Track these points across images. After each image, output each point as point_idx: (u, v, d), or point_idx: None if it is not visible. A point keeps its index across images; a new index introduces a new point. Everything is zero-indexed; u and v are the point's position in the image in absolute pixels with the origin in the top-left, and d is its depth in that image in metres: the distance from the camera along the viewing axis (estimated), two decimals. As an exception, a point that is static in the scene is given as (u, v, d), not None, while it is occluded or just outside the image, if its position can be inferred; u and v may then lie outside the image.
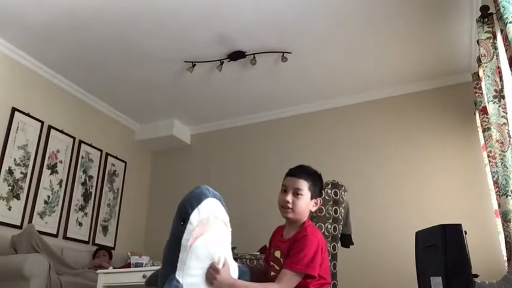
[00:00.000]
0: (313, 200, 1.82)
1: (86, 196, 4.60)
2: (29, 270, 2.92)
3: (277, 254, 1.81)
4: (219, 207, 1.60)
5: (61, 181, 4.30)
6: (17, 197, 3.83)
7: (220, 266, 1.58)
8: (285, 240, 1.81)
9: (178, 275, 1.44)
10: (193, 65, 4.07)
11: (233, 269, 1.66)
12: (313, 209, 1.84)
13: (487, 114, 3.18)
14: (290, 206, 1.76)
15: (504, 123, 2.56)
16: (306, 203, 1.79)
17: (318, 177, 1.86)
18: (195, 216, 1.50)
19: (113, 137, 5.10)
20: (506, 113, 2.59)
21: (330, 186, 2.55)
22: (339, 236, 2.57)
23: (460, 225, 2.10)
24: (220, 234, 1.58)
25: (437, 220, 2.35)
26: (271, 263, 1.84)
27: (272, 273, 1.79)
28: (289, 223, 1.85)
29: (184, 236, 1.48)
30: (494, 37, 2.73)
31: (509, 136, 2.53)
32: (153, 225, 5.26)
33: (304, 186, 1.79)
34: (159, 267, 3.04)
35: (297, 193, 1.78)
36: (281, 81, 4.42)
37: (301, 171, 1.83)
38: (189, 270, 1.48)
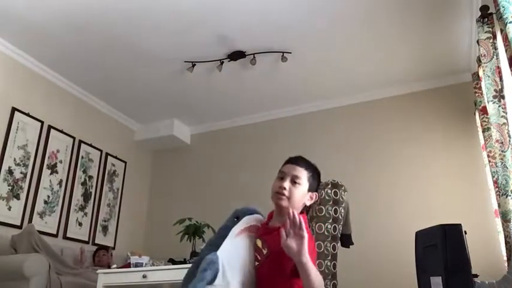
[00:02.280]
0: (309, 193, 1.72)
1: (86, 196, 4.60)
2: (28, 270, 2.92)
3: (259, 243, 1.67)
4: (260, 222, 1.83)
5: (61, 181, 4.30)
6: (17, 197, 3.83)
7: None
8: (270, 230, 1.67)
9: (219, 254, 1.63)
10: (193, 65, 4.07)
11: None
12: (308, 203, 1.73)
13: (487, 114, 3.18)
14: (286, 193, 1.66)
15: (504, 123, 2.56)
16: (302, 193, 1.69)
17: (316, 172, 1.78)
18: (246, 219, 1.75)
19: (113, 137, 5.10)
20: (506, 113, 2.59)
21: (330, 186, 2.55)
22: (339, 236, 2.57)
23: (460, 225, 2.10)
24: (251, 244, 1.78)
25: (437, 220, 2.35)
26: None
27: (256, 263, 1.65)
28: (279, 212, 1.71)
29: (235, 227, 1.71)
30: (494, 37, 2.73)
31: (509, 136, 2.53)
32: (153, 225, 5.26)
33: (303, 175, 1.70)
34: (158, 267, 3.07)
35: (294, 181, 1.68)
36: (281, 81, 4.42)
37: (302, 161, 1.75)
38: (228, 252, 1.64)
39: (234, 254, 1.63)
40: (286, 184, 1.67)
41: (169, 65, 4.16)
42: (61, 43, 3.85)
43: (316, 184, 1.76)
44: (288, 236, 1.49)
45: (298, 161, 1.75)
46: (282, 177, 1.71)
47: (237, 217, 1.74)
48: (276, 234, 1.58)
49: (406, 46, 3.85)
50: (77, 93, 4.62)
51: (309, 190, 1.72)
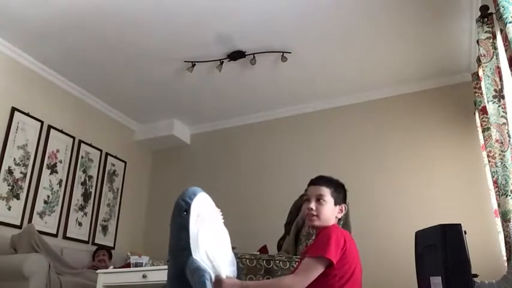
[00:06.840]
0: (338, 207, 1.84)
1: (86, 196, 4.60)
2: (28, 270, 2.92)
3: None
4: (209, 199, 1.80)
5: (61, 181, 4.30)
6: (17, 197, 3.82)
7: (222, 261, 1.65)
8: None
9: (195, 256, 1.60)
10: (193, 65, 4.07)
11: (232, 262, 1.75)
12: (339, 216, 1.86)
13: (486, 114, 3.18)
14: (314, 213, 1.79)
15: (504, 123, 2.56)
16: (330, 210, 1.81)
17: (339, 185, 1.90)
18: (195, 206, 1.69)
19: (112, 137, 5.10)
20: (506, 113, 2.59)
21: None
22: (339, 236, 2.57)
23: (460, 225, 2.09)
24: (218, 221, 1.77)
25: (437, 220, 2.35)
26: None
27: None
28: (316, 231, 1.89)
29: (191, 222, 1.66)
30: (494, 37, 2.73)
31: (509, 136, 2.53)
32: (153, 225, 5.25)
33: (326, 192, 1.82)
34: (158, 267, 3.06)
35: (319, 199, 1.81)
36: (281, 81, 4.42)
37: (322, 179, 1.88)
38: (202, 252, 1.62)
39: (214, 247, 1.66)
40: (313, 205, 1.81)
41: (169, 65, 4.16)
42: (61, 43, 3.85)
43: (341, 196, 1.88)
44: None
45: (318, 180, 1.88)
46: (307, 200, 1.85)
47: (185, 211, 1.71)
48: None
49: (406, 46, 3.85)
50: (77, 93, 4.62)
51: (336, 204, 1.84)
